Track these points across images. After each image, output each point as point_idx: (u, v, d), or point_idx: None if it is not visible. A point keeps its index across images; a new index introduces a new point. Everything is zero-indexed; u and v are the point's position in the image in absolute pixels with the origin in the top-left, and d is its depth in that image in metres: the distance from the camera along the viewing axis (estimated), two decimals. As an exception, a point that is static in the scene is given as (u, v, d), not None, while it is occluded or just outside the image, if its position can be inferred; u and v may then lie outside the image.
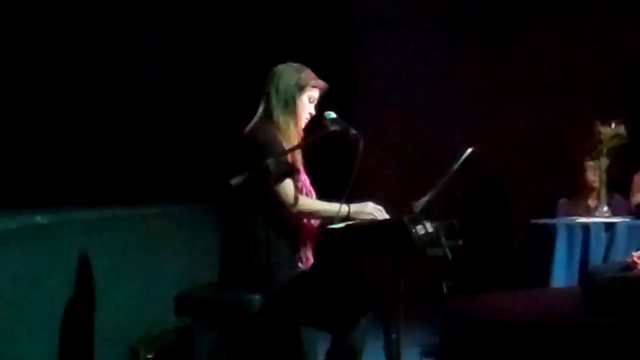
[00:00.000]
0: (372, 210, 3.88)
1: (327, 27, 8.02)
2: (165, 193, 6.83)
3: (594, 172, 6.24)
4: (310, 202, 3.92)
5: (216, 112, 7.35)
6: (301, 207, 3.85)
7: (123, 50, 7.49)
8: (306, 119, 4.04)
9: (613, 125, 5.97)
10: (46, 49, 6.90)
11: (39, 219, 4.20)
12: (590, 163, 6.26)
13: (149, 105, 7.51)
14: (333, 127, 3.87)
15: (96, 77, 7.19)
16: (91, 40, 7.19)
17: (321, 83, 4.05)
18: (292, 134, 3.96)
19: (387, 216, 3.88)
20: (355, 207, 3.85)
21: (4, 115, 6.48)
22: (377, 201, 3.97)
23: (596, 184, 6.22)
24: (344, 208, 3.81)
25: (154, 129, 7.43)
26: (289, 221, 3.87)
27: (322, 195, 4.03)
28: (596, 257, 5.64)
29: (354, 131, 3.85)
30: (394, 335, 3.84)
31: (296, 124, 4.00)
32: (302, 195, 3.90)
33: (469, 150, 4.19)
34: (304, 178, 4.00)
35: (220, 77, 7.60)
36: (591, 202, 6.37)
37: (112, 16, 7.36)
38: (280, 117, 3.96)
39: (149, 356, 4.66)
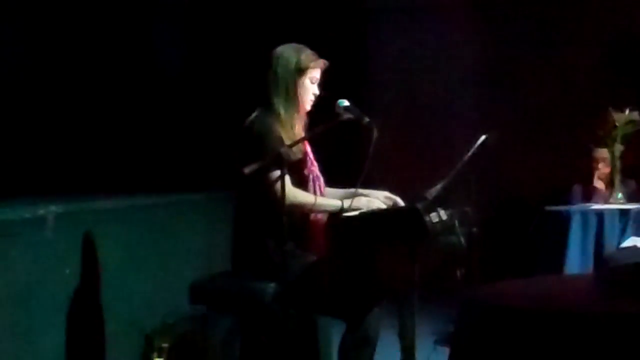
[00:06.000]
0: (364, 206, 3.82)
1: (339, 13, 8.01)
2: (180, 182, 6.83)
3: (608, 159, 6.22)
4: (303, 195, 3.84)
5: (232, 98, 7.33)
6: (294, 200, 3.77)
7: (138, 38, 7.48)
8: (311, 100, 3.96)
9: (627, 111, 5.97)
10: (61, 36, 6.89)
11: (53, 208, 4.21)
12: (605, 149, 6.25)
13: (165, 93, 7.50)
14: (346, 116, 3.80)
15: (111, 67, 7.19)
16: (106, 29, 7.19)
17: (322, 62, 3.95)
18: (294, 122, 3.90)
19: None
20: (349, 203, 3.79)
21: (20, 104, 6.49)
22: (388, 189, 3.96)
23: (610, 171, 6.21)
24: (337, 203, 3.80)
25: (169, 117, 7.44)
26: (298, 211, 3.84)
27: (333, 183, 4.01)
28: (610, 244, 5.63)
29: (367, 119, 3.80)
30: (408, 324, 3.84)
31: (298, 110, 3.93)
32: (295, 188, 3.82)
33: (483, 137, 4.17)
34: (311, 165, 3.96)
35: (234, 62, 7.58)
36: (605, 189, 6.36)
37: (126, 6, 7.36)
38: (280, 105, 3.88)
39: (164, 345, 4.67)
